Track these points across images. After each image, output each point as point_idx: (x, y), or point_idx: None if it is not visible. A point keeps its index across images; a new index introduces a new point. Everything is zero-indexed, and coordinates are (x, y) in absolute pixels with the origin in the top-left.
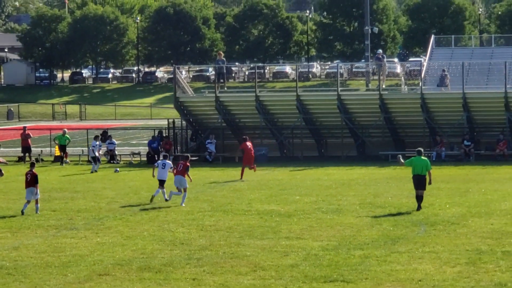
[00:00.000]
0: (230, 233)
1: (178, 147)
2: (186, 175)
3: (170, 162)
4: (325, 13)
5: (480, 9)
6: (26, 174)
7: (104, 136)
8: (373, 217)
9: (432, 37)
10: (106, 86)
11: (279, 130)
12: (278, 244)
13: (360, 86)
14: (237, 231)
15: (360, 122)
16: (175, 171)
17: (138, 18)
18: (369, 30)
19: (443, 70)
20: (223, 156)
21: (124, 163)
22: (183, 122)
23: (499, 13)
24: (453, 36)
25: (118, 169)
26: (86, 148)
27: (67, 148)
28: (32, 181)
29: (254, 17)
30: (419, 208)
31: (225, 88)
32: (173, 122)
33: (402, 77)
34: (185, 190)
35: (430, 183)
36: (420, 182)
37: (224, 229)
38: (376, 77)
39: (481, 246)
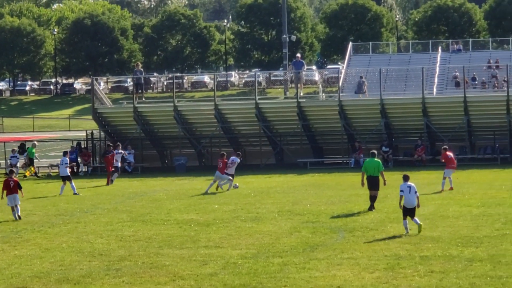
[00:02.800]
0: (149, 243)
1: (97, 158)
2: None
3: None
4: (243, 22)
5: (397, 16)
6: (7, 181)
7: (22, 148)
8: (291, 225)
9: (350, 44)
10: (23, 98)
11: (197, 139)
12: (197, 253)
13: (278, 94)
14: (156, 241)
15: (279, 130)
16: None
17: (56, 30)
18: (287, 38)
19: (361, 77)
20: (142, 166)
21: (42, 175)
22: (102, 133)
23: (416, 19)
24: (370, 43)
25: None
26: (3, 161)
27: None
28: (15, 187)
29: (172, 27)
30: (371, 208)
31: (144, 99)
32: (92, 133)
33: (320, 85)
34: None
35: (384, 183)
36: (373, 183)
37: (143, 239)
38: (294, 85)
39: (400, 251)
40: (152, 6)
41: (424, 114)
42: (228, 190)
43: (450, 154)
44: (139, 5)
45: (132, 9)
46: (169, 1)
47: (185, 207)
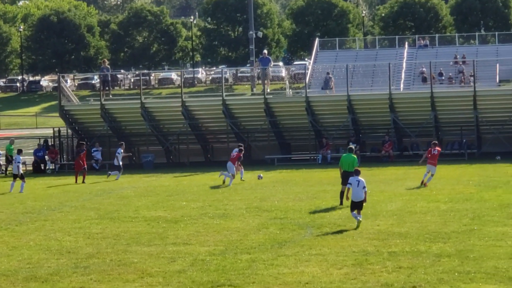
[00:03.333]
0: (117, 241)
1: (64, 156)
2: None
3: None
4: (209, 18)
5: (364, 12)
6: None
7: None
8: (259, 221)
9: (317, 40)
10: None
11: (165, 136)
12: (165, 250)
13: (245, 91)
14: (124, 238)
15: (246, 126)
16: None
17: (22, 27)
18: (254, 34)
19: (328, 73)
20: (109, 163)
21: (10, 173)
22: (69, 131)
23: (383, 15)
24: (337, 39)
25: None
26: None
27: None
28: None
29: (139, 24)
30: (341, 203)
31: (111, 96)
32: (59, 130)
33: (287, 81)
34: (233, 176)
35: None
36: (347, 178)
37: (111, 236)
38: (261, 82)
39: (368, 247)
40: (119, 2)
41: (391, 109)
42: (229, 184)
43: (434, 149)
44: (105, 1)
45: (98, 5)
46: None
47: (153, 204)
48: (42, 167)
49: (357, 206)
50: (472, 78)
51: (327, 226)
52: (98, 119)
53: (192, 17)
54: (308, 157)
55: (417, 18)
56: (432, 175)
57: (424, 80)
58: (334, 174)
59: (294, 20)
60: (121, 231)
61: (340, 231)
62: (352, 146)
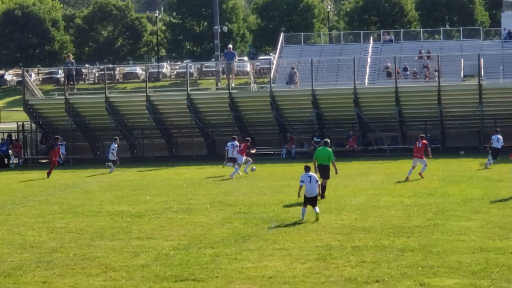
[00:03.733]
0: (80, 235)
1: (28, 150)
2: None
3: None
4: (174, 13)
5: (329, 6)
6: None
7: None
8: (223, 216)
9: (282, 35)
10: None
11: (129, 131)
12: (129, 245)
13: (210, 85)
14: (88, 233)
15: (210, 121)
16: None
17: None
18: (219, 29)
19: (292, 68)
20: (73, 158)
21: None
22: (33, 125)
23: (348, 10)
24: (302, 33)
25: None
26: None
27: None
28: None
29: (104, 18)
30: (322, 197)
31: (75, 90)
32: (23, 125)
33: (252, 76)
34: (238, 166)
35: (336, 172)
36: (322, 172)
37: (74, 231)
38: (226, 76)
39: (331, 241)
40: None
41: (356, 104)
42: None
43: (419, 143)
44: None
45: (63, 0)
46: None
47: (117, 198)
48: (6, 162)
49: (311, 201)
50: (436, 73)
51: (291, 220)
52: (63, 114)
53: (157, 12)
54: (273, 152)
55: (382, 13)
56: (425, 165)
57: (389, 75)
58: (298, 169)
59: (259, 14)
60: (85, 226)
61: (304, 226)
62: (327, 139)
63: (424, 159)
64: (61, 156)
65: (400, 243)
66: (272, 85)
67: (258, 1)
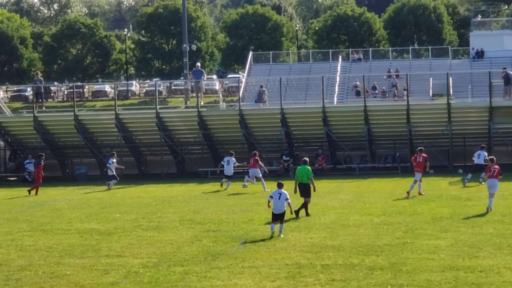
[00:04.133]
0: (49, 253)
1: None
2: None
3: None
4: (143, 31)
5: (298, 25)
6: None
7: None
8: (193, 234)
9: (250, 53)
10: None
11: (98, 148)
12: (98, 263)
13: (179, 103)
14: (57, 251)
15: (179, 139)
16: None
17: None
18: (188, 48)
19: (261, 86)
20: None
21: None
22: (1, 143)
23: (316, 28)
24: (271, 52)
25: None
26: None
27: None
28: None
29: (72, 36)
30: (306, 214)
31: (44, 108)
32: None
33: (221, 94)
34: (258, 179)
35: (314, 190)
36: (303, 190)
37: (43, 248)
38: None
39: (301, 260)
40: (52, 14)
41: (325, 123)
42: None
43: (419, 157)
44: (38, 13)
45: (31, 17)
46: (69, 10)
47: (86, 216)
48: None
49: (278, 217)
50: (405, 92)
51: (260, 238)
52: (31, 131)
53: (126, 30)
54: (242, 170)
55: (351, 31)
56: (419, 181)
57: (358, 93)
58: (268, 187)
59: (228, 33)
60: (54, 243)
61: (273, 244)
62: (306, 158)
63: (421, 174)
64: (30, 173)
65: (369, 262)
66: (241, 103)
67: (227, 19)
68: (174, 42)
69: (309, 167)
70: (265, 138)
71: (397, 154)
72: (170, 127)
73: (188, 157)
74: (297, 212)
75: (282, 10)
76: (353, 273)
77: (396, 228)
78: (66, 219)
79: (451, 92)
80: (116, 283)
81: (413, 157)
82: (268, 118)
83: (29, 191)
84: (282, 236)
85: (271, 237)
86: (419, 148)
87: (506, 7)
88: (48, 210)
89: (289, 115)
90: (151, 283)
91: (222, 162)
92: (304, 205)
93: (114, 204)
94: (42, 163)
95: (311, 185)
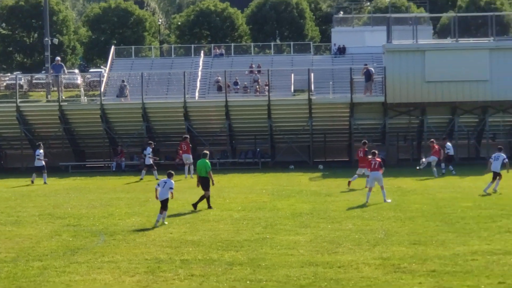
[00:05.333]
0: None
1: None
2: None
3: None
4: (4, 24)
5: (160, 20)
6: None
7: None
8: (52, 228)
9: (112, 48)
10: None
11: None
12: None
13: (40, 97)
14: None
15: (40, 133)
16: None
17: None
18: (49, 41)
19: (123, 81)
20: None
21: None
22: None
23: (179, 23)
24: (133, 47)
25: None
26: None
27: None
28: None
29: None
30: (209, 207)
31: None
32: None
33: (82, 88)
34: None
35: (212, 183)
36: (202, 183)
37: None
38: (56, 89)
39: (160, 255)
40: None
41: (186, 118)
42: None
43: (361, 151)
44: None
45: None
46: None
47: None
48: None
49: (162, 204)
50: (267, 87)
51: (120, 233)
52: None
53: None
54: (103, 165)
55: (213, 27)
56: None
57: (219, 89)
58: (128, 181)
59: (90, 27)
60: None
61: (133, 239)
62: (206, 151)
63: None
64: None
65: (229, 257)
66: (103, 98)
67: (89, 13)
68: (36, 35)
69: (207, 161)
70: (126, 132)
71: (258, 150)
72: (30, 121)
73: (49, 151)
74: (194, 205)
75: (145, 5)
76: (212, 268)
77: (256, 223)
78: None
79: (312, 88)
80: None
81: (358, 150)
82: (130, 113)
83: None
84: (166, 223)
85: (157, 223)
86: (363, 141)
87: (368, 4)
88: None
89: (151, 110)
90: (9, 278)
91: (144, 153)
92: (203, 198)
93: None
94: None
95: (210, 179)
